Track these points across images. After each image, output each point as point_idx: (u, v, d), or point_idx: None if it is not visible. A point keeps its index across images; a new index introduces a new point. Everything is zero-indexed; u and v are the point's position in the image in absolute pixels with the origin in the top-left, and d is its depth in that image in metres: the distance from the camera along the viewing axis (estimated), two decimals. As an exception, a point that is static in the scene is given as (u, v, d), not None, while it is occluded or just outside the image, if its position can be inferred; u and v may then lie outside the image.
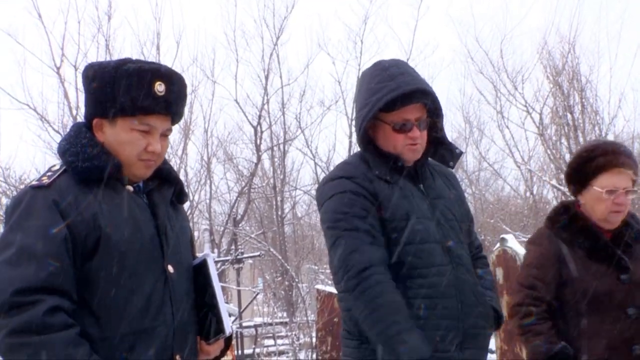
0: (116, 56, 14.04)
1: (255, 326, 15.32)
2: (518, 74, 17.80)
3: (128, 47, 15.19)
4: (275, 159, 18.43)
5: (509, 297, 6.41)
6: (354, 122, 4.45)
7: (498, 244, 6.71)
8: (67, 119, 14.15)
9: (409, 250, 2.57)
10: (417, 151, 2.69)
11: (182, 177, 16.84)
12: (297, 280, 15.89)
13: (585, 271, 2.96)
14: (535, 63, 17.67)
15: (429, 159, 2.82)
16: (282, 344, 15.44)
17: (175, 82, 2.18)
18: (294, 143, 18.35)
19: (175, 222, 2.26)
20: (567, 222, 3.05)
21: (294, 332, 14.52)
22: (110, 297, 2.05)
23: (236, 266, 15.88)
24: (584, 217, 3.05)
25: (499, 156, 20.40)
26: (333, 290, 7.32)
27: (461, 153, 2.85)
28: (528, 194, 20.50)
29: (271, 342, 15.73)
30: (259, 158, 17.64)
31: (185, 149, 17.03)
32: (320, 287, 9.15)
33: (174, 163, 16.53)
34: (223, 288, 16.39)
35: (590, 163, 3.02)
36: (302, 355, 13.57)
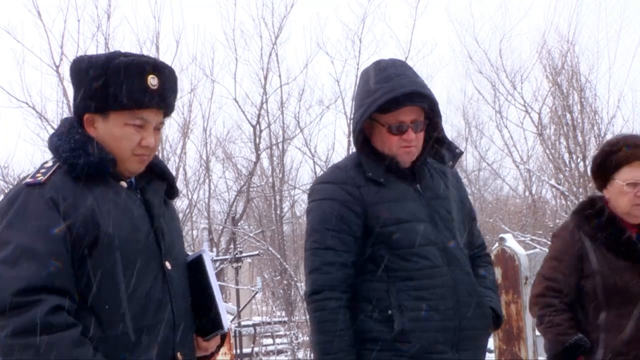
0: (115, 55, 13.97)
1: (254, 325, 15.33)
2: (517, 73, 17.81)
3: (127, 45, 15.12)
4: (274, 158, 18.43)
5: (506, 296, 6.43)
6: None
7: (497, 244, 6.72)
8: (66, 117, 14.12)
9: (399, 253, 2.59)
10: (412, 153, 2.69)
11: (180, 176, 16.96)
12: (295, 279, 15.92)
13: (606, 265, 3.00)
14: (535, 63, 17.69)
15: (430, 158, 2.82)
16: (281, 343, 15.44)
17: (167, 75, 2.15)
18: (293, 142, 18.34)
19: (168, 218, 2.24)
20: (592, 215, 3.09)
21: (292, 331, 14.53)
22: (110, 296, 2.02)
23: (235, 265, 15.87)
24: (609, 211, 3.09)
25: (497, 156, 20.41)
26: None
27: (461, 153, 2.86)
28: (527, 193, 20.49)
29: (270, 341, 15.75)
30: (257, 157, 17.63)
31: (184, 147, 17.06)
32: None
33: (173, 162, 16.55)
34: (222, 287, 16.39)
35: (612, 157, 3.06)
36: (300, 354, 13.57)
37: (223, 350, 6.67)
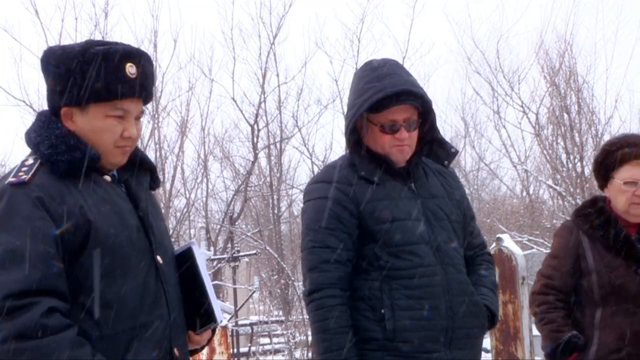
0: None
1: (251, 324, 15.34)
2: (515, 73, 17.83)
3: (125, 44, 15.13)
4: (272, 158, 18.42)
5: (503, 296, 6.43)
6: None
7: (494, 244, 6.73)
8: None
9: (393, 252, 2.60)
10: (405, 152, 2.69)
11: (178, 174, 16.97)
12: (293, 278, 15.91)
13: (602, 263, 3.03)
14: (532, 63, 17.72)
15: (427, 157, 2.83)
16: (278, 343, 15.47)
17: (144, 62, 2.07)
18: (291, 141, 18.32)
19: (154, 211, 2.18)
20: (592, 215, 3.12)
21: (289, 331, 14.53)
22: (104, 294, 1.96)
23: (232, 264, 15.88)
24: (610, 210, 3.11)
25: (495, 156, 20.42)
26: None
27: (456, 152, 2.86)
28: (524, 194, 20.52)
29: (267, 340, 15.76)
30: (255, 156, 17.62)
31: (182, 146, 17.05)
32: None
33: (171, 160, 16.56)
34: (219, 286, 16.42)
35: (612, 156, 3.09)
36: (297, 353, 13.59)
37: (220, 349, 6.67)
